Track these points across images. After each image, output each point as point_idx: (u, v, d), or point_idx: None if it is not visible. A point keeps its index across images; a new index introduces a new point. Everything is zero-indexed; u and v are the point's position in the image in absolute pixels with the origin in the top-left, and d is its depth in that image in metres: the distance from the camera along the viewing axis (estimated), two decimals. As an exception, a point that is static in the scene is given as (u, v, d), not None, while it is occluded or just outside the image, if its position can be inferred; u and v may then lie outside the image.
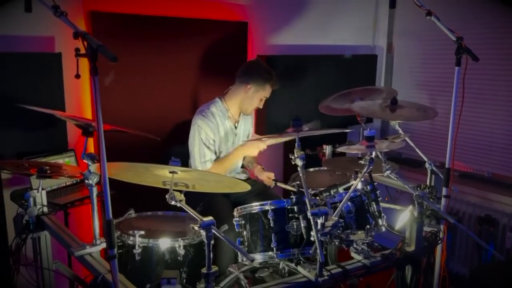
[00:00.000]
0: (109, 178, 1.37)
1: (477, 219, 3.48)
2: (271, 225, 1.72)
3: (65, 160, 2.61)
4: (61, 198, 2.44)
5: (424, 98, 3.95)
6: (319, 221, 1.53)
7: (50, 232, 2.06)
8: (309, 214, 1.54)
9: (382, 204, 2.20)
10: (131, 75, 2.84)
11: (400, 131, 2.41)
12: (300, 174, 1.63)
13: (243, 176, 2.85)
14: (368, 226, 1.83)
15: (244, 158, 2.87)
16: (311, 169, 2.85)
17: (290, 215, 1.72)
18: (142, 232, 1.86)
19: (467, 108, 3.63)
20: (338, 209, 1.69)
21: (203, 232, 1.45)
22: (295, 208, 1.69)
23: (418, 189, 2.38)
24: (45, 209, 2.14)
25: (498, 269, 3.00)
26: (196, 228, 1.47)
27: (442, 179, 2.29)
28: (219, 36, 3.21)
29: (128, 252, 1.89)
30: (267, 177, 2.66)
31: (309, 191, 1.79)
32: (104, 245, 1.82)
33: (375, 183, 1.97)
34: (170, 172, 1.65)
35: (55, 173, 2.17)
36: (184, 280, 1.87)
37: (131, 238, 1.86)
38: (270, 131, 3.56)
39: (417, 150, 2.41)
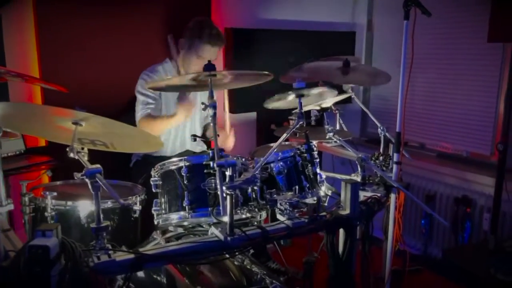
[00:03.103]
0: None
1: (454, 200, 3.31)
2: (185, 182, 1.57)
3: None
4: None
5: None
6: (227, 173, 1.38)
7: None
8: (213, 164, 1.39)
9: (327, 173, 2.05)
10: (88, 39, 2.76)
11: (351, 92, 2.26)
12: (212, 124, 1.47)
13: (198, 149, 2.72)
14: (296, 187, 1.67)
15: (206, 129, 2.74)
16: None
17: (206, 171, 1.57)
18: (54, 194, 1.73)
19: (443, 86, 3.53)
20: (258, 164, 1.53)
21: (88, 181, 1.30)
22: (211, 163, 1.54)
23: (373, 158, 2.24)
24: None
25: (468, 250, 2.85)
26: (79, 176, 1.32)
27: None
28: (180, 4, 3.08)
29: (42, 216, 1.76)
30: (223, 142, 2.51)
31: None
32: (10, 206, 1.68)
33: (312, 143, 1.81)
34: (74, 123, 1.51)
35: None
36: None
37: (43, 200, 1.73)
38: (239, 107, 3.44)
39: (364, 108, 2.26)
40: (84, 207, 1.75)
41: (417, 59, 3.61)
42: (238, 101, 3.41)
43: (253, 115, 3.66)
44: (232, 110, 3.43)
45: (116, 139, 1.67)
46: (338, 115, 2.71)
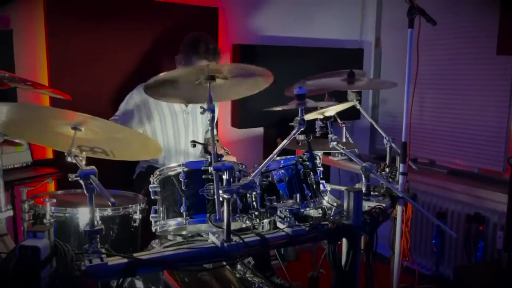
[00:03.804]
0: None
1: (466, 217, 3.22)
2: (183, 188, 1.54)
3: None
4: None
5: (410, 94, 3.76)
6: (224, 176, 1.35)
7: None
8: (210, 169, 1.37)
9: (332, 186, 2.01)
10: (96, 51, 2.81)
11: (354, 100, 2.23)
12: (210, 128, 1.46)
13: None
14: (297, 195, 1.64)
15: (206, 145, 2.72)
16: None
17: (205, 176, 1.54)
18: (54, 200, 1.71)
19: (453, 101, 3.48)
20: (257, 170, 1.50)
21: (82, 182, 1.29)
22: (209, 169, 1.51)
23: (379, 169, 2.19)
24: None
25: (481, 269, 2.75)
26: (73, 177, 1.31)
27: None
28: (187, 20, 3.12)
29: (41, 223, 1.74)
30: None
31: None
32: (10, 212, 1.67)
33: (314, 151, 1.78)
34: (73, 128, 1.51)
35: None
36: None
37: (43, 207, 1.72)
38: (244, 123, 3.45)
39: (369, 119, 2.23)
40: (84, 215, 1.73)
41: (425, 74, 3.64)
42: (244, 117, 3.42)
43: (259, 130, 3.65)
44: (237, 126, 3.45)
45: (116, 146, 1.66)
46: (344, 128, 2.69)
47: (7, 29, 2.54)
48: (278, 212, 1.56)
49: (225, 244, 1.36)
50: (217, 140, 1.52)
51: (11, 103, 1.42)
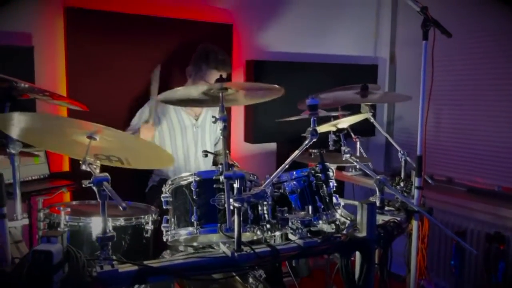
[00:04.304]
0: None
1: (485, 237, 3.12)
2: (194, 197, 1.54)
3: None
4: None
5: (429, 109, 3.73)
6: (235, 185, 1.35)
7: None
8: (221, 178, 1.37)
9: (346, 201, 1.99)
10: (113, 67, 2.86)
11: (368, 114, 2.22)
12: (221, 137, 1.47)
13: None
14: (309, 206, 1.62)
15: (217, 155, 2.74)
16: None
17: (216, 186, 1.54)
18: (68, 209, 1.74)
19: (471, 117, 3.43)
20: (269, 180, 1.50)
21: (95, 189, 1.30)
22: (220, 178, 1.52)
23: (393, 183, 2.17)
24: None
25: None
26: (86, 183, 1.32)
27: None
28: (202, 37, 3.17)
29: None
30: None
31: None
32: (25, 221, 1.70)
33: (327, 164, 1.77)
34: (88, 137, 1.54)
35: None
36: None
37: (57, 216, 1.74)
38: (257, 138, 3.46)
39: (383, 133, 2.21)
40: (96, 224, 1.74)
41: (443, 89, 3.62)
42: (257, 132, 3.43)
43: (273, 145, 3.65)
44: (250, 141, 3.46)
45: (130, 154, 1.68)
46: (358, 143, 2.67)
47: (28, 46, 2.63)
48: (290, 224, 1.54)
49: (236, 254, 1.35)
50: (229, 152, 1.52)
51: (30, 113, 1.45)
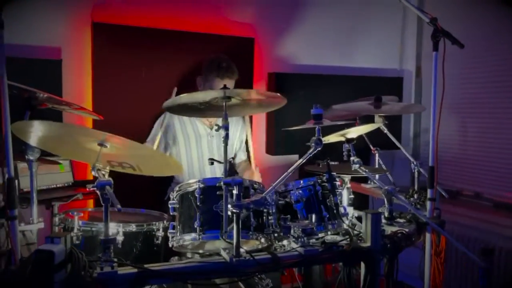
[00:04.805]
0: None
1: (515, 254, 2.98)
2: (198, 204, 1.58)
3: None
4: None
5: (454, 123, 3.64)
6: (234, 191, 1.37)
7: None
8: (221, 183, 1.39)
9: (360, 212, 1.97)
10: (137, 80, 2.97)
11: (380, 124, 2.20)
12: (223, 145, 1.50)
13: None
14: (313, 215, 1.62)
15: (238, 166, 2.78)
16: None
17: (219, 193, 1.56)
18: (81, 215, 1.81)
19: (498, 131, 3.31)
20: (270, 188, 1.51)
21: (98, 192, 1.36)
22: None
23: (407, 195, 2.12)
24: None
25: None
26: (90, 187, 1.38)
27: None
28: (224, 51, 3.24)
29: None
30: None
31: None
32: (41, 225, 1.78)
33: (334, 173, 1.76)
34: (99, 145, 1.61)
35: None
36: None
37: (72, 221, 1.81)
38: (279, 150, 3.47)
39: (395, 141, 2.18)
40: (111, 230, 1.79)
41: (470, 103, 3.52)
42: (278, 144, 3.44)
43: (295, 158, 3.64)
44: (271, 153, 3.48)
45: (141, 161, 1.74)
46: (377, 154, 2.64)
47: (57, 59, 2.78)
48: (292, 232, 1.54)
49: (234, 260, 1.37)
50: (233, 158, 1.55)
51: (45, 121, 1.54)
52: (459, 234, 3.15)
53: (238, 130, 2.76)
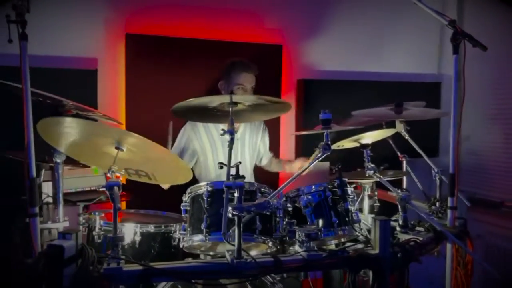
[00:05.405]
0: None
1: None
2: (206, 206, 1.62)
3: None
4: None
5: (498, 130, 3.46)
6: (235, 194, 1.40)
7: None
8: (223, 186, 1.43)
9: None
10: (169, 91, 3.07)
11: (402, 130, 2.16)
12: (228, 148, 1.53)
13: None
14: (320, 220, 1.61)
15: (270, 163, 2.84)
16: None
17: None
18: (102, 215, 1.90)
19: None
20: (275, 192, 1.53)
21: (107, 192, 1.43)
22: (230, 188, 1.57)
23: (428, 204, 2.06)
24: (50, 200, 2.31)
25: None
26: (100, 187, 1.46)
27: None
28: (253, 58, 3.28)
29: (92, 235, 1.94)
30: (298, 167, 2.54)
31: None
32: (66, 223, 1.90)
33: (345, 179, 1.75)
34: (116, 148, 1.69)
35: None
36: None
37: (95, 220, 1.91)
38: (309, 156, 3.45)
39: (418, 149, 2.12)
40: (129, 230, 1.88)
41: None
42: (308, 151, 3.41)
43: (326, 164, 3.61)
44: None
45: (155, 168, 1.81)
46: (404, 162, 2.58)
47: (92, 69, 2.95)
48: (297, 236, 1.55)
49: (235, 261, 1.39)
50: (240, 162, 1.58)
51: (66, 117, 1.66)
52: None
53: (260, 134, 2.79)
